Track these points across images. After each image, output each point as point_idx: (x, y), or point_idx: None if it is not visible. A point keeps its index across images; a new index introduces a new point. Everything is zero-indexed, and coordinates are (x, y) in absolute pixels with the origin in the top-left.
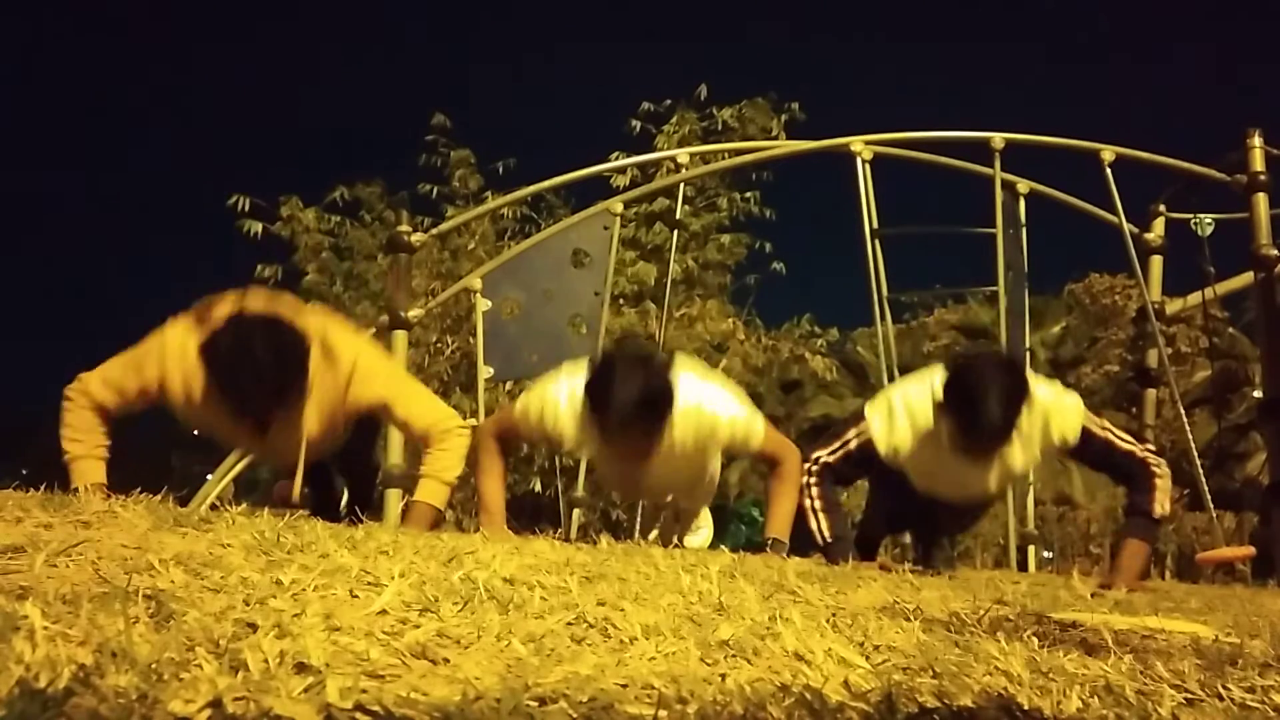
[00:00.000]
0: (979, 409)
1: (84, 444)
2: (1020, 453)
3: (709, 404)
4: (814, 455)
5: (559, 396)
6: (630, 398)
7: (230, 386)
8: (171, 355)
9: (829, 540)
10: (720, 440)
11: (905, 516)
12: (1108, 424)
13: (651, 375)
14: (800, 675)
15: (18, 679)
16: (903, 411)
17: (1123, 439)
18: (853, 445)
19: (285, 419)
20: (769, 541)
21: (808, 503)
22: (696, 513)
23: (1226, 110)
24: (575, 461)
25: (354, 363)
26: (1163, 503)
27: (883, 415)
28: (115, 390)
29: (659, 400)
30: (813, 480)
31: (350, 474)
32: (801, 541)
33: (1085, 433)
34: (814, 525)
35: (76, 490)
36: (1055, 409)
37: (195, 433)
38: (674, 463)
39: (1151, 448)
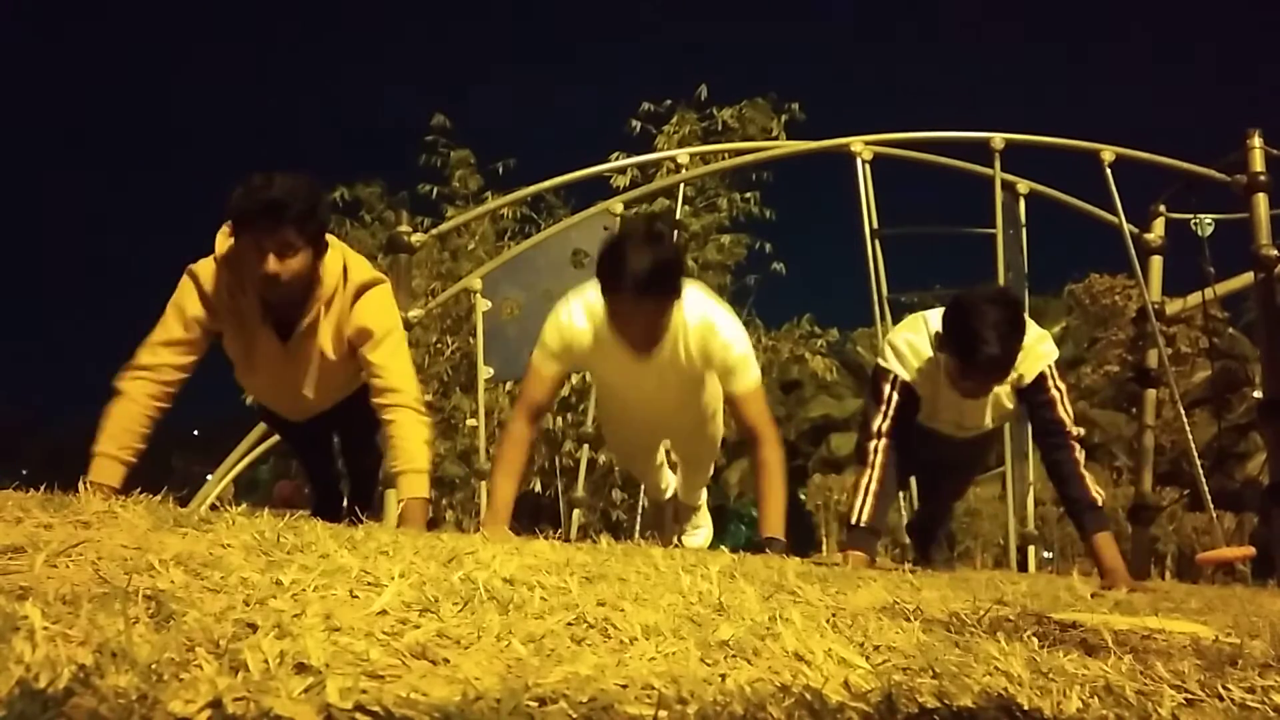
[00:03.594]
0: (979, 342)
1: (115, 441)
2: (1007, 385)
3: (713, 315)
4: (873, 428)
5: (566, 311)
6: (644, 262)
7: (249, 182)
8: (202, 274)
9: (863, 525)
10: (714, 356)
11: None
12: (1064, 390)
13: (664, 246)
14: (800, 675)
15: (18, 679)
16: (905, 346)
17: (1065, 408)
18: (894, 396)
19: (303, 328)
20: (766, 542)
21: (865, 480)
22: (698, 490)
23: (1226, 110)
24: (575, 461)
25: (367, 286)
26: (1095, 488)
27: (893, 352)
28: (166, 344)
29: (670, 268)
30: (879, 458)
31: (352, 472)
32: (802, 541)
33: (1040, 378)
34: (858, 503)
35: (89, 480)
36: (1029, 348)
37: (230, 356)
38: (675, 375)
39: (1082, 431)
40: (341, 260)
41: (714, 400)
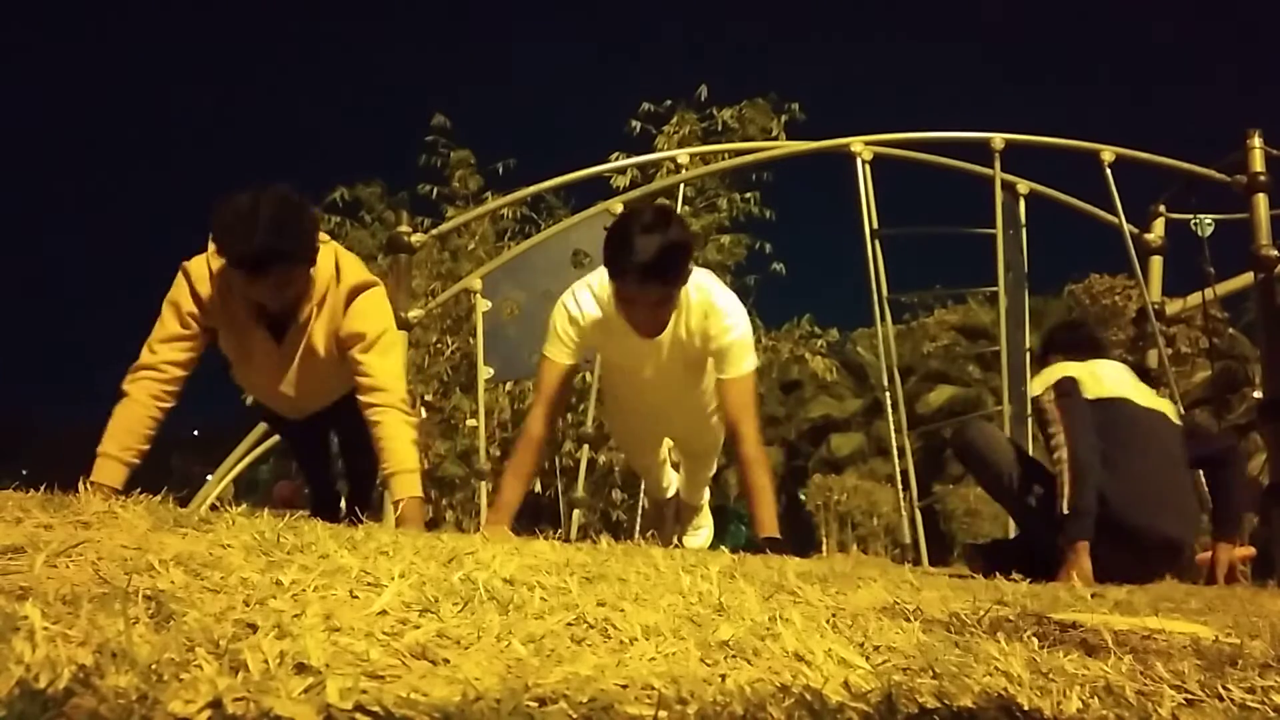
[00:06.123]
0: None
1: (117, 442)
2: None
3: (717, 298)
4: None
5: (573, 300)
6: (650, 248)
7: (232, 224)
8: (196, 273)
9: (1070, 511)
10: (712, 338)
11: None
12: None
13: (670, 231)
14: (800, 676)
15: (18, 679)
16: None
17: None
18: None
19: (296, 327)
20: (766, 542)
21: (1054, 432)
22: (700, 489)
23: (1227, 111)
24: (575, 462)
25: (360, 289)
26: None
27: None
28: (164, 340)
29: (676, 254)
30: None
31: (351, 473)
32: (802, 543)
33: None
34: (1064, 480)
35: (90, 481)
36: None
37: (225, 362)
38: (679, 357)
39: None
40: (334, 260)
41: (713, 387)
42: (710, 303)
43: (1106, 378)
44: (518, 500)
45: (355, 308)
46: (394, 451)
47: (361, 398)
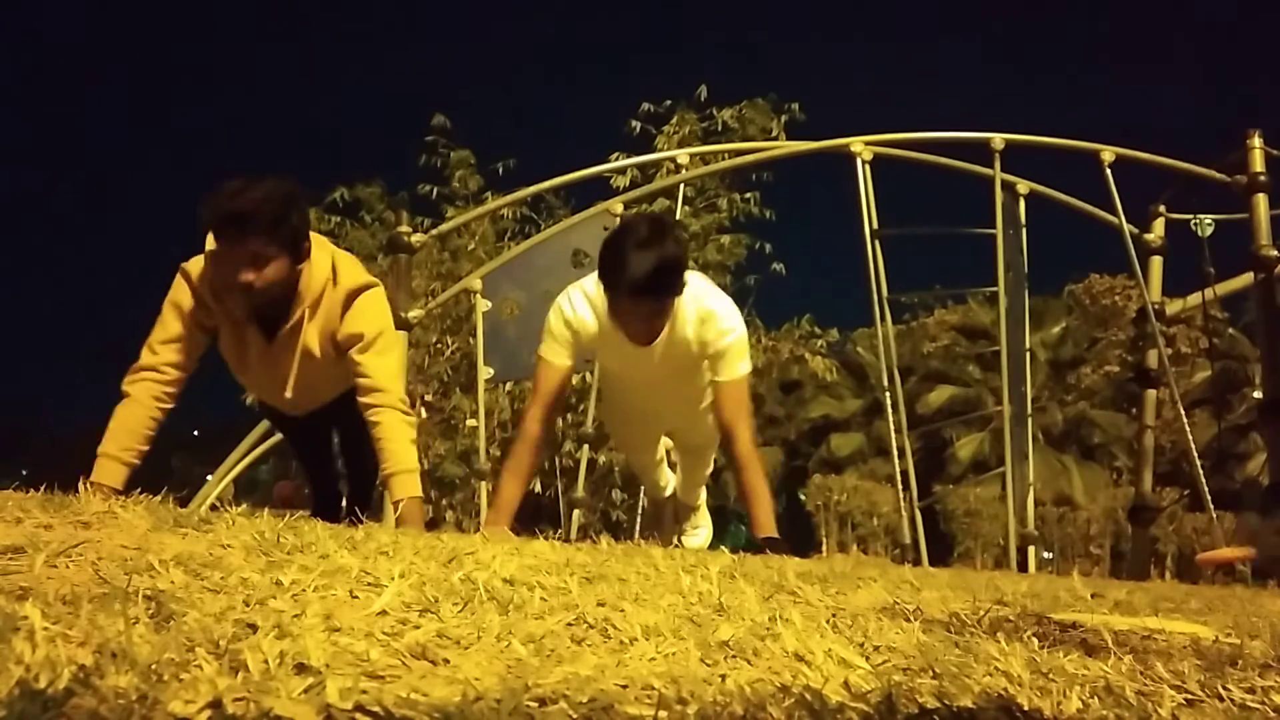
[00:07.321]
0: None
1: (117, 442)
2: None
3: (713, 303)
4: None
5: (569, 303)
6: (645, 264)
7: (222, 189)
8: (194, 272)
9: None
10: (709, 343)
11: None
12: None
13: (665, 246)
14: (800, 676)
15: (18, 679)
16: None
17: None
18: None
19: (288, 329)
20: (765, 543)
21: None
22: (697, 489)
23: (1226, 110)
24: (575, 462)
25: (359, 290)
26: None
27: None
28: (165, 341)
29: (671, 269)
30: None
31: (352, 472)
32: (802, 543)
33: None
34: None
35: (91, 481)
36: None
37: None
38: (675, 361)
39: None
40: (330, 263)
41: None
42: (706, 309)
43: None
44: (517, 500)
45: (353, 309)
46: (393, 452)
47: (361, 399)
